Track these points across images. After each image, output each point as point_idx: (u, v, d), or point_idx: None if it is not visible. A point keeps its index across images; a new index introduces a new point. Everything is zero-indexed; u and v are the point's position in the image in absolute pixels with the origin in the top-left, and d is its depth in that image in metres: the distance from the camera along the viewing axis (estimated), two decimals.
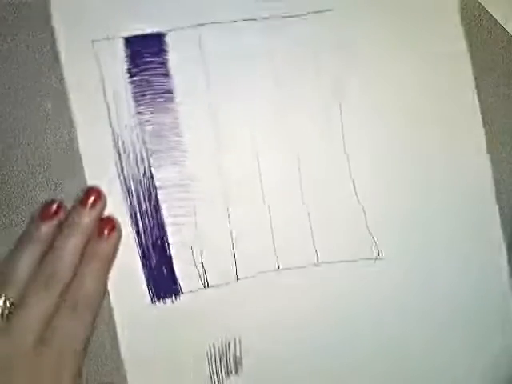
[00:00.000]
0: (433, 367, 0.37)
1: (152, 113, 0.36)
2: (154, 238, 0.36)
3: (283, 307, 0.37)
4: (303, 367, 0.37)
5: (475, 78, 0.38)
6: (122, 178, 0.36)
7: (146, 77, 0.36)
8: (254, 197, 0.37)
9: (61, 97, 0.35)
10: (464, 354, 0.37)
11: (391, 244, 0.37)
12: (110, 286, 0.35)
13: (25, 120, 0.35)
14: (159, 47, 0.36)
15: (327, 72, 0.37)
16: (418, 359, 0.37)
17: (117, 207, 0.35)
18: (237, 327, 0.36)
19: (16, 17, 0.36)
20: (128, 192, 0.36)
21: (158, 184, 0.36)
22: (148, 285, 0.36)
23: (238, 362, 0.36)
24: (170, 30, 0.36)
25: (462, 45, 0.37)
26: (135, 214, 0.36)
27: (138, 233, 0.36)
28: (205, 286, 0.36)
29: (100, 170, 0.35)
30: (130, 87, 0.36)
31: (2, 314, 0.32)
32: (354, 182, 0.37)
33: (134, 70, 0.36)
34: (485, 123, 0.38)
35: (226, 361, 0.36)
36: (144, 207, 0.36)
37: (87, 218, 0.34)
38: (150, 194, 0.36)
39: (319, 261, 0.37)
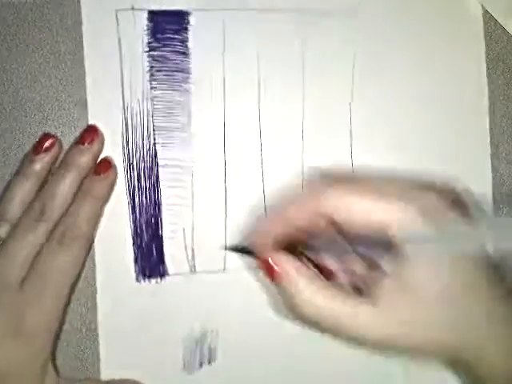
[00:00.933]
0: None
1: (165, 90, 0.36)
2: (149, 215, 0.36)
3: (265, 303, 0.36)
4: (278, 365, 0.37)
5: None
6: (125, 150, 0.36)
7: (165, 53, 0.36)
8: (254, 189, 0.37)
9: (62, 97, 0.36)
10: None
11: None
12: (97, 258, 0.35)
13: (25, 120, 0.36)
14: (182, 25, 0.36)
15: (346, 71, 0.37)
16: None
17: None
18: (216, 317, 0.36)
19: (16, 17, 0.36)
20: (129, 166, 0.36)
21: (160, 162, 0.36)
22: (135, 262, 0.36)
23: (212, 353, 0.36)
24: (196, 10, 0.36)
25: (483, 64, 0.38)
26: (133, 188, 0.36)
27: (133, 208, 0.36)
28: (191, 271, 0.36)
29: (105, 139, 0.35)
30: (147, 61, 0.36)
31: None
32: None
33: (154, 45, 0.36)
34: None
35: (201, 350, 0.36)
36: (143, 183, 0.36)
37: (84, 156, 0.34)
38: (152, 170, 0.36)
39: None
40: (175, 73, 0.36)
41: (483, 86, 0.38)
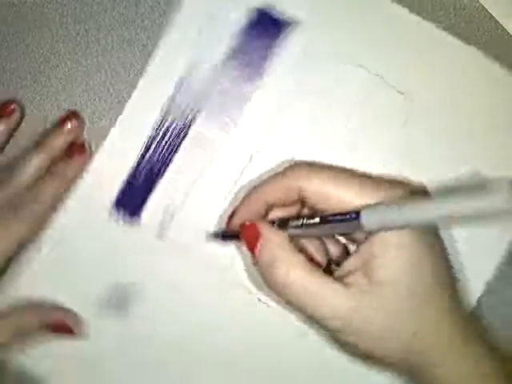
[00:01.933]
0: None
1: (230, 79, 0.36)
2: (154, 167, 0.36)
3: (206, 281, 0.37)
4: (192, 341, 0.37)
5: None
6: (167, 104, 0.36)
7: (249, 49, 0.36)
8: None
9: (62, 97, 0.36)
10: None
11: None
12: (88, 177, 0.36)
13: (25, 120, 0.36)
14: (279, 34, 0.36)
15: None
16: None
17: (146, 118, 0.36)
18: (150, 277, 0.36)
19: (16, 17, 0.36)
20: (163, 117, 0.36)
21: (190, 133, 0.36)
22: (118, 197, 0.36)
23: (128, 305, 0.36)
24: (299, 24, 0.36)
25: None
26: (158, 133, 0.36)
27: (147, 149, 0.36)
28: (158, 235, 0.36)
29: (154, 90, 0.36)
30: (228, 48, 0.36)
31: None
32: None
33: (243, 37, 0.36)
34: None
35: (120, 299, 0.36)
36: (168, 135, 0.36)
37: (60, 140, 0.35)
38: (179, 134, 0.36)
39: None
40: (248, 67, 0.36)
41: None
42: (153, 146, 0.36)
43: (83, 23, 0.36)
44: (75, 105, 0.36)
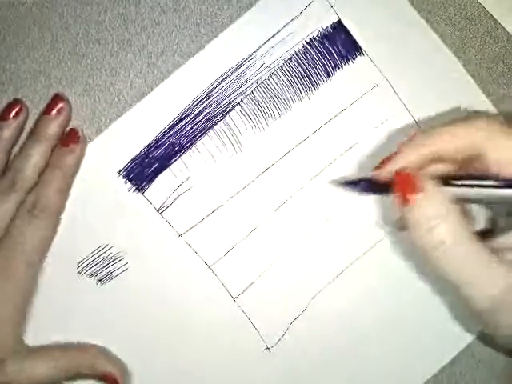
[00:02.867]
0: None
1: (280, 84, 0.36)
2: (175, 144, 0.36)
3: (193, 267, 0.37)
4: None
5: (474, 78, 0.38)
6: (210, 86, 0.36)
7: (310, 61, 0.36)
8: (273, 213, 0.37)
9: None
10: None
11: None
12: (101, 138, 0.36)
13: None
14: (345, 56, 0.37)
15: None
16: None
17: (186, 93, 0.36)
18: (139, 250, 0.36)
19: (16, 17, 0.36)
20: (208, 95, 0.36)
21: (222, 123, 0.36)
22: (132, 160, 0.36)
23: (113, 274, 0.36)
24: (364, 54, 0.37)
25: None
26: (191, 111, 0.36)
27: (174, 125, 0.36)
28: (158, 210, 0.36)
29: (204, 68, 0.36)
30: (290, 53, 0.36)
31: None
32: None
33: (310, 47, 0.36)
34: None
35: (108, 265, 0.36)
36: (200, 117, 0.36)
37: (51, 126, 0.34)
38: (211, 119, 0.36)
39: None
40: (307, 77, 0.37)
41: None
42: (182, 123, 0.36)
43: (83, 23, 0.36)
44: (75, 105, 0.36)
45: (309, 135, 0.37)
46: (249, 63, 0.36)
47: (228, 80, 0.36)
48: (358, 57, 0.37)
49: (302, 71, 0.37)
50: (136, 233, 0.36)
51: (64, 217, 0.36)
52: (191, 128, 0.36)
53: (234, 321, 0.37)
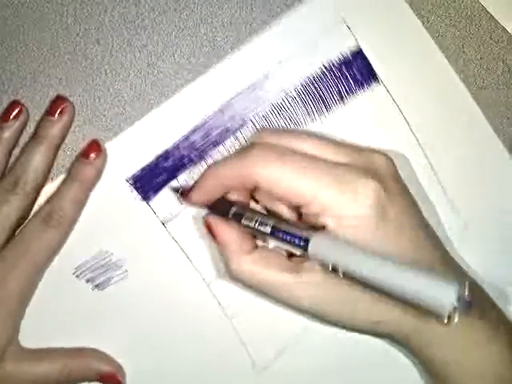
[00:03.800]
0: None
1: (293, 104, 0.36)
2: (185, 157, 0.36)
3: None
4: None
5: (475, 78, 0.38)
6: (227, 100, 0.36)
7: (326, 85, 0.36)
8: None
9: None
10: None
11: None
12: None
13: None
14: (361, 84, 0.37)
15: None
16: None
17: (202, 105, 0.36)
18: (139, 259, 0.36)
19: (16, 17, 0.36)
20: (218, 111, 0.36)
21: (238, 135, 0.36)
22: (140, 170, 0.36)
23: (111, 281, 0.36)
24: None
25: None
26: (200, 127, 0.36)
27: (187, 137, 0.36)
28: (162, 221, 0.36)
29: (223, 82, 0.36)
30: (306, 76, 0.36)
31: None
32: None
33: (328, 71, 0.36)
34: None
35: (106, 272, 0.36)
36: (215, 132, 0.36)
37: (54, 128, 0.34)
38: (227, 131, 0.36)
39: None
40: (315, 102, 0.37)
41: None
42: (194, 136, 0.36)
43: (83, 23, 0.36)
44: (75, 105, 0.36)
45: None
46: (265, 82, 0.36)
47: (243, 97, 0.36)
48: (374, 84, 0.37)
49: (316, 94, 0.36)
50: (138, 242, 0.36)
51: None
52: (202, 142, 0.36)
53: (227, 339, 0.37)
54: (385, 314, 0.29)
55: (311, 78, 0.36)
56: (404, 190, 0.31)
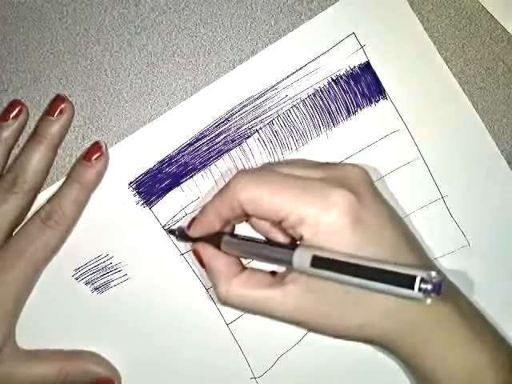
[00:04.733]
0: None
1: (301, 116, 0.36)
2: (192, 162, 0.36)
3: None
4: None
5: (475, 78, 0.38)
6: (234, 109, 0.36)
7: (339, 94, 0.36)
8: None
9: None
10: None
11: None
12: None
13: None
14: (377, 97, 0.37)
15: None
16: None
17: (209, 112, 0.36)
18: (139, 263, 0.36)
19: (16, 17, 0.36)
20: (232, 115, 0.36)
21: (244, 145, 0.36)
22: (143, 174, 0.36)
23: (110, 285, 0.36)
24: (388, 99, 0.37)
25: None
26: (209, 132, 0.36)
27: (190, 144, 0.36)
28: (163, 226, 0.36)
29: (231, 89, 0.36)
30: (321, 85, 0.36)
31: None
32: None
33: (343, 83, 0.36)
34: (485, 123, 0.38)
35: (106, 275, 0.36)
36: (220, 138, 0.36)
37: (53, 128, 0.34)
38: (232, 140, 0.36)
39: None
40: (322, 114, 0.37)
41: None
42: (199, 143, 0.36)
43: (83, 23, 0.36)
44: (75, 105, 0.36)
45: None
46: (272, 93, 0.36)
47: (250, 107, 0.36)
48: (381, 100, 0.37)
49: (323, 107, 0.36)
50: (138, 246, 0.36)
51: None
52: (207, 149, 0.36)
53: (225, 346, 0.37)
54: (368, 316, 0.29)
55: (319, 90, 0.36)
56: (377, 196, 0.31)
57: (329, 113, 0.37)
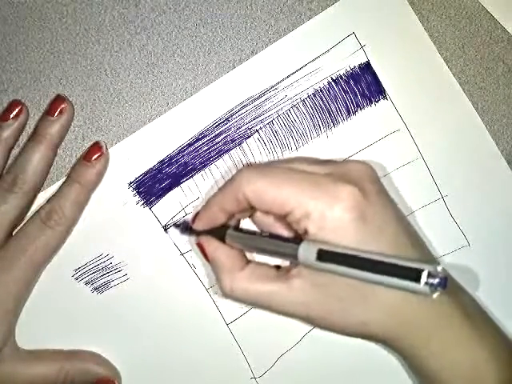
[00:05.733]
0: None
1: (301, 116, 0.36)
2: (192, 162, 0.36)
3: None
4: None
5: (475, 78, 0.38)
6: (234, 109, 0.36)
7: (339, 95, 0.36)
8: None
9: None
10: None
11: None
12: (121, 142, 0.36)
13: None
14: (377, 97, 0.37)
15: None
16: None
17: (208, 112, 0.36)
18: (139, 263, 0.36)
19: (16, 17, 0.36)
20: (232, 115, 0.36)
21: (244, 145, 0.36)
22: (143, 174, 0.36)
23: (110, 285, 0.36)
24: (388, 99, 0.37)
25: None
26: (205, 135, 0.36)
27: (190, 144, 0.36)
28: (163, 226, 0.36)
29: (231, 89, 0.36)
30: (321, 85, 0.36)
31: None
32: None
33: (343, 83, 0.36)
34: (485, 123, 0.38)
35: (106, 275, 0.36)
36: (219, 139, 0.36)
37: (53, 128, 0.34)
38: (232, 140, 0.36)
39: None
40: (322, 114, 0.37)
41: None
42: (199, 143, 0.36)
43: (83, 23, 0.36)
44: (75, 105, 0.36)
45: None
46: (272, 93, 0.36)
47: (250, 107, 0.36)
48: (382, 100, 0.37)
49: (323, 107, 0.37)
50: (138, 246, 0.36)
51: None
52: (207, 149, 0.36)
53: (225, 346, 0.37)
54: (371, 312, 0.29)
55: (319, 90, 0.36)
56: (382, 192, 0.31)
57: (329, 113, 0.37)
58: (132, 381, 0.36)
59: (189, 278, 0.36)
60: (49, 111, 0.35)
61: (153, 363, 0.37)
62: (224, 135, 0.36)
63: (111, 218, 0.36)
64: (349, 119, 0.37)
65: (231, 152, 0.36)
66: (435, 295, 0.25)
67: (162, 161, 0.36)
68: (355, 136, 0.37)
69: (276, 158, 0.37)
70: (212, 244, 0.32)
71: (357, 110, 0.37)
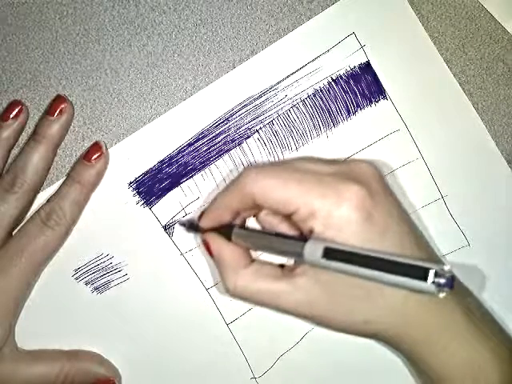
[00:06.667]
0: None
1: (301, 116, 0.36)
2: (192, 162, 0.36)
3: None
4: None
5: (475, 78, 0.38)
6: (233, 108, 0.36)
7: (339, 94, 0.36)
8: None
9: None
10: None
11: None
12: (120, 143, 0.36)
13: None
14: (377, 97, 0.37)
15: None
16: None
17: (208, 112, 0.36)
18: (140, 263, 0.36)
19: (16, 17, 0.36)
20: (231, 115, 0.36)
21: (244, 145, 0.36)
22: (143, 174, 0.36)
23: (110, 285, 0.36)
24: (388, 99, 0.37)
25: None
26: (205, 135, 0.36)
27: (190, 144, 0.36)
28: (163, 226, 0.36)
29: (231, 89, 0.36)
30: (321, 85, 0.36)
31: None
32: None
33: (343, 83, 0.36)
34: (485, 123, 0.38)
35: (106, 275, 0.36)
36: (219, 138, 0.36)
37: (53, 128, 0.34)
38: (232, 140, 0.36)
39: None
40: (322, 115, 0.37)
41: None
42: (199, 143, 0.36)
43: (83, 23, 0.36)
44: (75, 105, 0.36)
45: None
46: (272, 93, 0.36)
47: (250, 107, 0.36)
48: (382, 100, 0.37)
49: (323, 107, 0.37)
50: (139, 246, 0.36)
51: None
52: (207, 149, 0.36)
53: (225, 346, 0.37)
54: (375, 311, 0.29)
55: (319, 90, 0.36)
56: (388, 192, 0.31)
57: (329, 113, 0.37)
58: (132, 381, 0.36)
59: (189, 278, 0.36)
60: (49, 111, 0.34)
61: (153, 363, 0.37)
62: (224, 135, 0.36)
63: (111, 218, 0.36)
64: (349, 119, 0.37)
65: (231, 152, 0.36)
66: (442, 295, 0.25)
67: (162, 161, 0.36)
68: (355, 136, 0.37)
69: (276, 158, 0.37)
70: (217, 241, 0.32)
71: (357, 110, 0.37)
